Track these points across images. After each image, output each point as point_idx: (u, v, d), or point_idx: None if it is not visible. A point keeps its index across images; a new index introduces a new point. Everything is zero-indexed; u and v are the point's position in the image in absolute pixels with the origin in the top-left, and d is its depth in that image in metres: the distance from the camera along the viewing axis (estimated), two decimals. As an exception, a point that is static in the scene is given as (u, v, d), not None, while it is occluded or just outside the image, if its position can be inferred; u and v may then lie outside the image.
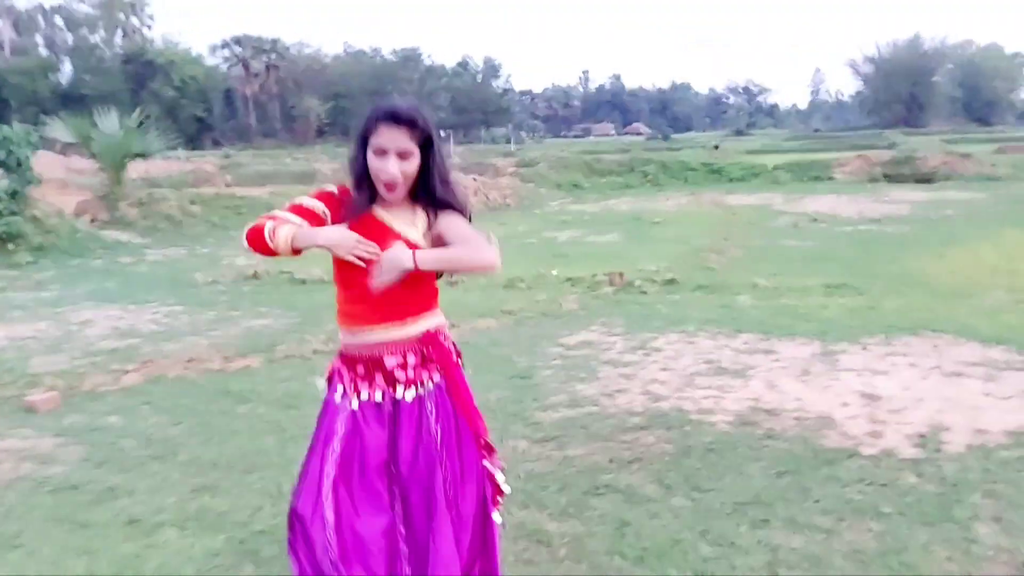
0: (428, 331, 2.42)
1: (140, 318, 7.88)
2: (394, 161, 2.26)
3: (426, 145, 2.31)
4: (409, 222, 2.37)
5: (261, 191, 18.34)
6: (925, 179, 22.86)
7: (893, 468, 3.85)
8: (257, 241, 2.25)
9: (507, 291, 8.85)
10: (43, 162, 14.30)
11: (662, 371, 5.61)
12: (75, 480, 3.99)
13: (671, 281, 8.87)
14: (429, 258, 2.27)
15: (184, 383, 5.59)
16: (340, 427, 2.37)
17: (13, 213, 11.55)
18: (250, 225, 2.29)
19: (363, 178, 2.33)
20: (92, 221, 13.63)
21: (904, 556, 3.03)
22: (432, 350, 2.42)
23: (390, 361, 2.38)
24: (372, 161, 2.28)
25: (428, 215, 2.39)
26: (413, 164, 2.30)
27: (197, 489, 3.86)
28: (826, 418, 4.54)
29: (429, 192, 2.37)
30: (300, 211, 2.32)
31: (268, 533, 3.38)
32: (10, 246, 11.41)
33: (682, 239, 12.81)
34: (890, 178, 23.52)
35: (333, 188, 2.41)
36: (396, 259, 2.22)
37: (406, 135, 2.26)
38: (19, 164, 11.72)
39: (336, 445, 2.36)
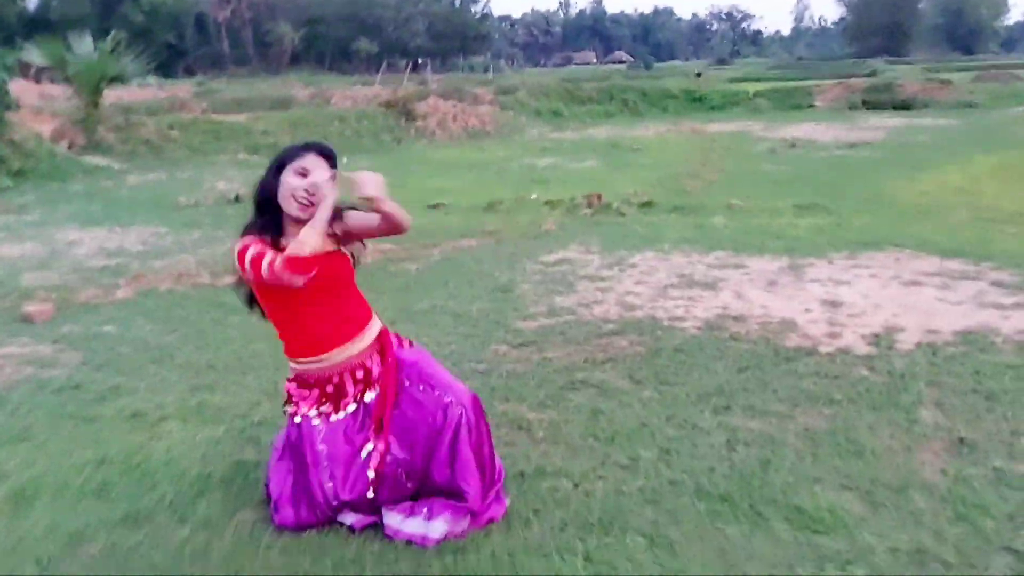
0: (381, 330, 2.81)
1: (126, 238, 7.99)
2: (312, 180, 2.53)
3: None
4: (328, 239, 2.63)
5: (239, 117, 18.17)
6: (903, 106, 23.01)
7: (847, 363, 4.14)
8: (302, 265, 2.43)
9: (488, 214, 9.02)
10: (16, 88, 14.09)
11: (637, 284, 5.85)
12: (77, 380, 4.20)
13: (648, 203, 9.07)
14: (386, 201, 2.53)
15: (176, 296, 5.78)
16: (322, 447, 2.72)
17: (-9, 138, 11.47)
18: (277, 266, 2.43)
19: (269, 203, 2.58)
20: (70, 147, 13.53)
21: (851, 435, 3.33)
22: (386, 345, 2.78)
23: (359, 372, 2.72)
24: (292, 180, 2.52)
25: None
26: (328, 189, 2.53)
27: (196, 388, 4.08)
28: (789, 322, 4.82)
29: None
30: (260, 243, 2.54)
31: (267, 423, 3.62)
32: (-11, 171, 11.37)
33: (660, 165, 12.96)
34: (869, 105, 23.63)
35: (243, 245, 2.58)
36: (375, 177, 2.48)
37: (326, 166, 2.55)
38: (-3, 89, 11.59)
39: (325, 461, 2.71)
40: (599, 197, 9.20)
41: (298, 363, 2.75)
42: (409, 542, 2.66)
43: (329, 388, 2.71)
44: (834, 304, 5.13)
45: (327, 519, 2.75)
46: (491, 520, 2.75)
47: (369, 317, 2.80)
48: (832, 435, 3.34)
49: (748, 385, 3.90)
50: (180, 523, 2.85)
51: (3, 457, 3.37)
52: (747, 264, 6.27)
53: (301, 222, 2.51)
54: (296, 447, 2.76)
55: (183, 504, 2.96)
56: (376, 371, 2.74)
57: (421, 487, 2.74)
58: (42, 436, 3.59)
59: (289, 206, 2.53)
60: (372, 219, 2.60)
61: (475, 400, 2.77)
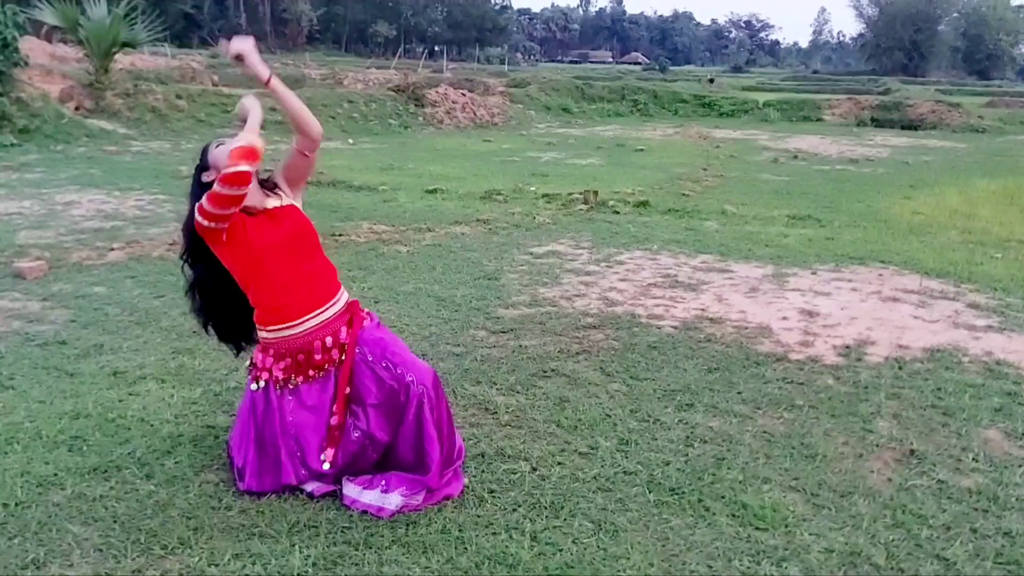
0: (349, 301, 2.91)
1: (124, 203, 8.08)
2: None
3: None
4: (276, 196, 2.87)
5: (249, 92, 18.21)
6: (911, 126, 23.05)
7: (815, 371, 4.22)
8: (237, 177, 2.56)
9: (484, 202, 9.10)
10: (28, 46, 14.14)
11: (621, 281, 5.94)
12: (63, 337, 4.30)
13: (643, 203, 9.14)
14: (279, 86, 2.80)
15: (167, 263, 5.85)
16: (290, 417, 2.82)
17: (-1, 94, 11.53)
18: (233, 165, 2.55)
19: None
20: (77, 109, 13.59)
21: (806, 439, 3.41)
22: (354, 315, 2.88)
23: (329, 340, 2.80)
24: (217, 151, 2.73)
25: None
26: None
27: (177, 351, 4.18)
28: (764, 328, 4.90)
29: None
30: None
31: (241, 388, 3.70)
32: (-6, 127, 11.43)
33: (661, 167, 13.03)
34: (877, 122, 23.68)
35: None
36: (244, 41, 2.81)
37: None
38: (5, 44, 11.62)
39: (293, 430, 2.82)
40: (595, 194, 9.28)
41: (269, 331, 2.82)
42: (365, 512, 2.75)
43: (300, 357, 2.79)
44: (811, 314, 5.21)
45: (291, 487, 2.84)
46: (447, 497, 2.84)
47: (338, 285, 2.90)
48: (788, 438, 3.42)
49: (714, 385, 3.98)
50: (147, 478, 2.94)
51: (-17, 405, 3.47)
52: (732, 269, 6.35)
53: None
54: (262, 416, 2.84)
55: (152, 460, 3.05)
56: (344, 338, 2.83)
57: (383, 460, 2.83)
58: (24, 386, 3.69)
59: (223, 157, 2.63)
60: (292, 155, 2.87)
61: (435, 378, 2.86)
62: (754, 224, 8.17)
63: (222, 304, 2.97)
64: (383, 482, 2.81)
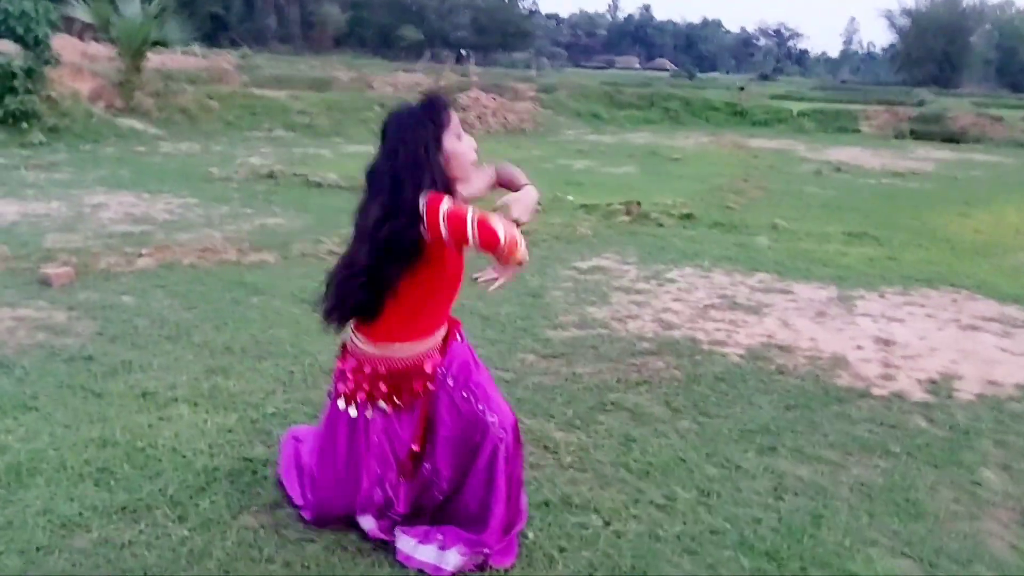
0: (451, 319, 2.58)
1: (153, 206, 7.84)
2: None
3: None
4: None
5: (278, 93, 18.03)
6: (952, 139, 22.43)
7: (904, 411, 3.86)
8: (491, 236, 2.22)
9: (523, 212, 8.77)
10: (59, 44, 13.99)
11: (675, 301, 5.59)
12: (89, 351, 4.02)
13: (687, 216, 8.78)
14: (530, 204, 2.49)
15: (198, 271, 5.59)
16: (375, 437, 2.48)
17: (28, 91, 11.34)
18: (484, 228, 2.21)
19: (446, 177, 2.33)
20: (107, 107, 13.43)
21: (910, 494, 3.05)
22: (450, 334, 2.55)
23: (426, 367, 2.47)
24: (458, 147, 2.33)
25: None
26: None
27: (210, 370, 3.88)
28: (839, 358, 4.54)
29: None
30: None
31: (280, 415, 3.42)
32: (24, 125, 11.24)
33: (700, 177, 12.64)
34: (917, 135, 23.07)
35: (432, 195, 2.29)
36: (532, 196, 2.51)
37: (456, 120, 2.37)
38: (37, 42, 11.45)
39: (376, 450, 2.49)
40: (638, 205, 8.93)
41: (378, 347, 2.44)
42: (420, 571, 2.43)
43: (401, 380, 2.46)
44: (887, 343, 4.84)
45: (352, 519, 2.57)
46: (499, 565, 2.48)
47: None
48: (889, 492, 3.06)
49: (796, 426, 3.63)
50: (180, 520, 2.64)
51: (6, 426, 3.19)
52: (793, 290, 5.98)
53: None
54: (347, 434, 2.51)
55: (185, 499, 2.75)
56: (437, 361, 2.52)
57: (446, 504, 2.51)
58: (48, 407, 3.40)
59: (462, 174, 2.38)
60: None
61: (516, 426, 2.53)
62: (808, 241, 7.78)
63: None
64: (439, 537, 2.48)
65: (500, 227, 2.19)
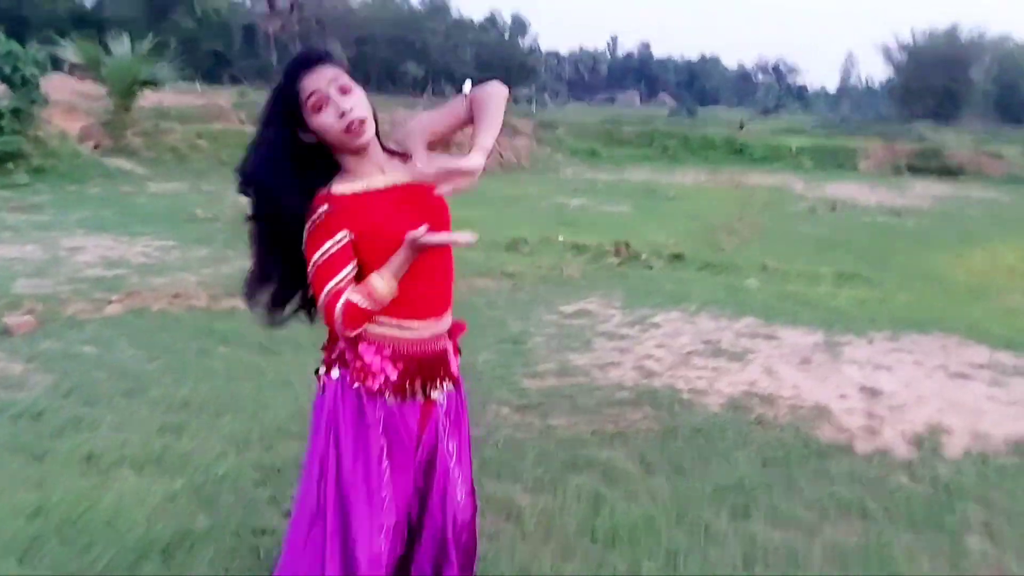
0: (456, 321, 2.12)
1: (131, 249, 7.73)
2: (340, 98, 1.85)
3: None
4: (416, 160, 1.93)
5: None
6: (951, 174, 22.41)
7: (886, 467, 3.68)
8: (362, 320, 1.91)
9: (509, 253, 8.66)
10: (53, 83, 14.05)
11: (658, 347, 5.44)
12: (40, 407, 3.86)
13: (678, 256, 8.68)
14: (487, 143, 1.89)
15: (167, 318, 5.46)
16: (383, 441, 2.03)
17: (15, 132, 11.33)
18: (336, 315, 1.87)
19: (309, 158, 1.91)
20: (96, 147, 13.42)
21: (886, 558, 2.88)
22: (454, 346, 2.14)
23: (446, 355, 2.09)
24: (320, 120, 1.85)
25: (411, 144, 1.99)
26: (359, 96, 1.89)
27: (164, 428, 3.72)
28: (822, 409, 4.37)
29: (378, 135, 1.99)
30: (339, 259, 1.89)
31: (229, 480, 3.26)
32: (9, 165, 11.21)
33: (695, 215, 12.57)
34: (915, 170, 23.08)
35: (322, 207, 1.89)
36: (458, 166, 1.81)
37: (333, 69, 1.88)
38: (24, 82, 11.47)
39: (386, 462, 2.04)
40: (627, 246, 8.82)
41: (388, 328, 1.99)
42: None
43: (400, 367, 2.00)
44: (873, 392, 4.66)
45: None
46: None
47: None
48: (864, 556, 2.89)
49: (772, 482, 3.45)
50: (105, 601, 2.47)
51: (-61, 492, 3.04)
52: (779, 335, 5.82)
53: (363, 151, 1.92)
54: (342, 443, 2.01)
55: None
56: (455, 368, 2.13)
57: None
58: (-16, 471, 3.24)
59: (344, 143, 1.89)
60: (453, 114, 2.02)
61: (473, 520, 2.29)
62: (798, 282, 7.64)
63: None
64: None
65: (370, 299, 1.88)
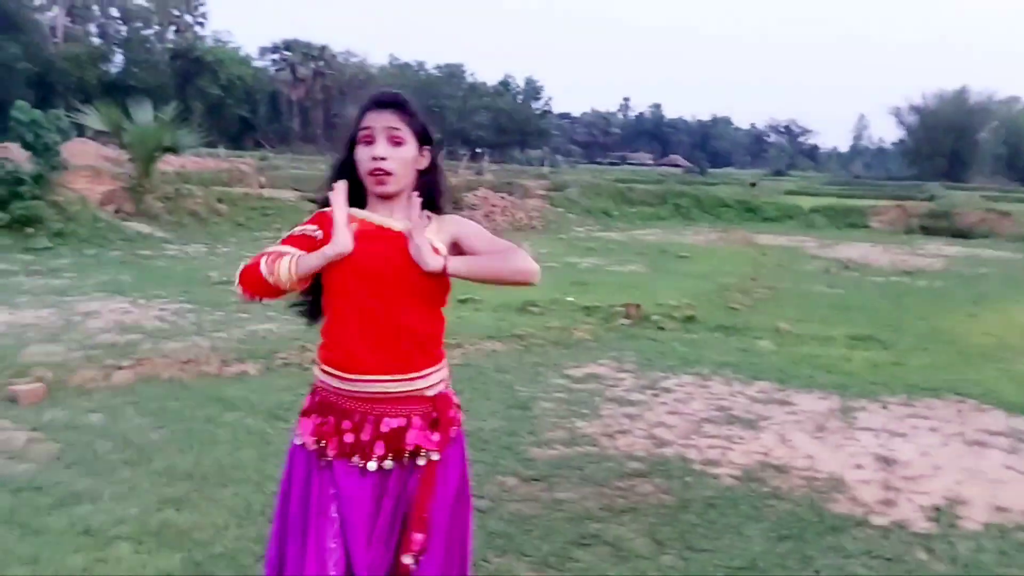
0: (442, 392, 2.07)
1: (146, 313, 7.77)
2: (384, 144, 1.98)
3: (424, 140, 2.06)
4: (423, 228, 1.99)
5: (291, 195, 18.32)
6: (962, 234, 22.36)
7: (903, 542, 3.58)
8: (255, 282, 1.95)
9: (519, 314, 8.63)
10: (78, 148, 14.38)
11: (669, 414, 5.36)
12: (40, 481, 3.83)
13: (690, 318, 8.61)
14: (462, 265, 1.96)
15: (175, 385, 5.44)
16: (334, 490, 2.00)
17: (36, 197, 11.55)
18: (241, 268, 1.99)
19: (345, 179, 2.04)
20: (117, 212, 13.64)
21: (907, 647, 2.76)
22: (442, 418, 2.04)
23: (390, 423, 1.99)
24: (359, 153, 2.00)
25: (435, 224, 2.06)
26: (406, 152, 2.01)
27: (164, 501, 3.68)
28: (837, 480, 4.27)
29: (433, 196, 2.09)
30: (291, 241, 2.03)
31: (227, 556, 3.20)
32: (29, 230, 11.39)
33: (707, 276, 12.53)
34: (927, 230, 23.04)
35: (325, 210, 2.06)
36: (423, 251, 1.92)
37: (395, 117, 2.00)
38: (47, 149, 11.74)
39: (335, 513, 1.99)
40: (638, 307, 8.77)
41: (322, 370, 2.06)
42: None
43: (346, 424, 1.99)
44: (889, 461, 4.56)
45: None
46: None
47: (430, 363, 2.04)
48: (884, 644, 2.78)
49: (786, 560, 3.35)
50: None
51: (-67, 569, 2.99)
52: (794, 400, 5.74)
53: (388, 198, 2.03)
54: (292, 487, 2.06)
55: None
56: (413, 441, 2.00)
57: None
58: (-20, 547, 3.20)
59: (369, 185, 2.02)
60: (480, 247, 2.03)
61: None
62: (812, 345, 7.56)
63: None
64: None
65: (263, 268, 1.94)
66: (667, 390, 5.93)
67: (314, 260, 1.95)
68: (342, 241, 1.94)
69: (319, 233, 2.03)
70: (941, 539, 3.61)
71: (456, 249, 2.05)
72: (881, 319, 9.11)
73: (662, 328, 8.18)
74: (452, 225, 2.09)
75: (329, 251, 1.95)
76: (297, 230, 2.06)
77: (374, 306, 1.97)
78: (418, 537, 1.98)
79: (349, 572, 1.97)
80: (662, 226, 23.72)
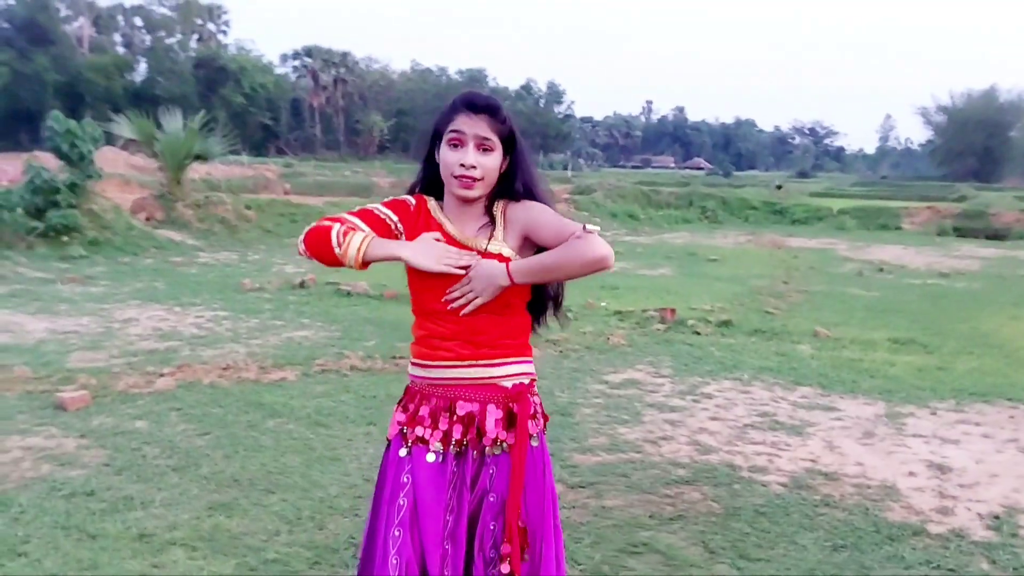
0: (520, 383, 2.04)
1: (183, 320, 7.82)
2: (472, 152, 1.96)
3: (509, 146, 2.02)
4: (487, 237, 2.00)
5: (317, 200, 18.42)
6: (997, 236, 22.00)
7: (964, 552, 3.49)
8: (320, 245, 1.94)
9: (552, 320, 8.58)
10: (107, 157, 14.57)
11: (712, 420, 5.29)
12: (92, 486, 3.85)
13: (726, 323, 8.52)
14: (525, 268, 1.93)
15: (217, 391, 5.46)
16: (406, 478, 2.00)
17: (71, 206, 11.69)
18: (310, 226, 2.00)
19: (430, 181, 2.07)
20: (148, 220, 13.78)
21: (978, 659, 2.69)
22: (519, 410, 2.01)
23: (465, 407, 2.01)
24: (446, 155, 1.97)
25: (501, 220, 2.03)
26: (493, 160, 1.99)
27: (214, 506, 3.68)
28: (890, 488, 4.18)
29: (509, 188, 2.04)
30: (368, 217, 2.02)
31: (281, 562, 3.19)
32: (65, 238, 11.53)
33: (739, 279, 12.41)
34: (960, 232, 22.70)
35: (410, 199, 2.08)
36: (489, 272, 1.92)
37: (485, 124, 1.96)
38: (81, 158, 11.88)
39: (403, 500, 1.99)
40: (672, 312, 8.70)
41: (411, 362, 2.10)
42: None
43: (424, 410, 2.03)
44: (942, 469, 4.46)
45: None
46: None
47: (506, 355, 2.03)
48: (954, 656, 2.70)
49: (844, 570, 3.28)
50: None
51: (-8, 574, 3.01)
52: (838, 406, 5.64)
53: (468, 201, 2.01)
54: (380, 480, 2.07)
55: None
56: (492, 430, 1.99)
57: None
58: (38, 552, 3.21)
59: (451, 185, 2.00)
60: (553, 234, 1.95)
61: None
62: (853, 349, 7.45)
63: None
64: None
65: (336, 245, 1.93)
66: (708, 396, 5.86)
67: (383, 252, 1.95)
68: (422, 260, 1.93)
69: (400, 225, 2.04)
70: (1003, 548, 3.52)
71: (528, 241, 2.01)
72: (921, 322, 8.97)
73: (697, 333, 8.10)
74: (522, 213, 2.02)
75: (405, 255, 1.94)
76: (372, 206, 2.06)
77: (443, 319, 2.00)
78: (507, 549, 1.95)
79: (422, 562, 1.95)
80: (689, 229, 23.59)
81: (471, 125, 1.96)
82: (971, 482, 4.29)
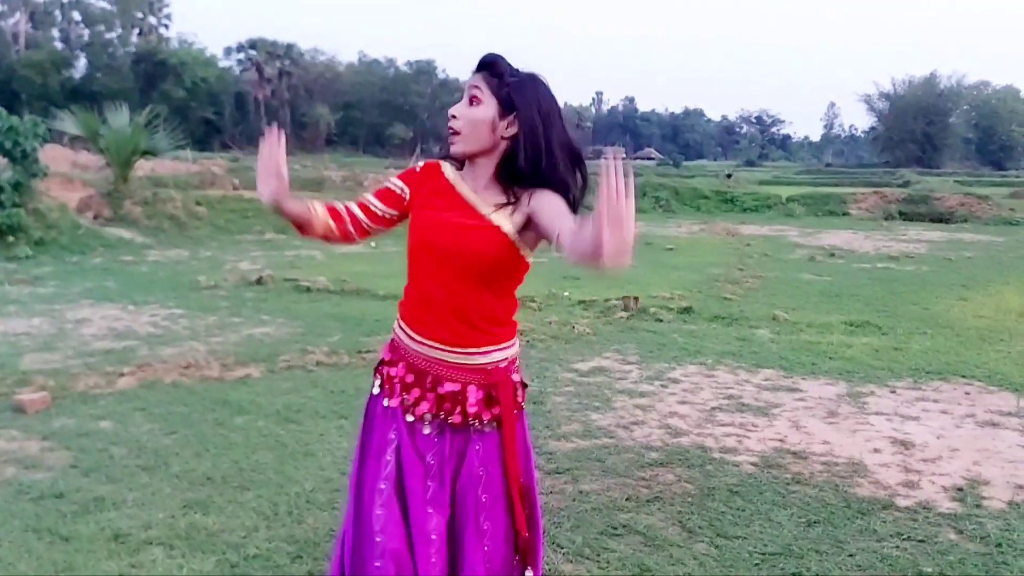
0: (499, 367, 2.03)
1: (138, 319, 7.64)
2: (463, 104, 1.97)
3: (513, 109, 1.92)
4: (493, 207, 1.95)
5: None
6: (941, 219, 22.66)
7: (931, 523, 3.60)
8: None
9: (519, 310, 8.60)
10: (50, 155, 14.08)
11: (680, 404, 5.36)
12: (60, 488, 3.75)
13: (687, 310, 8.63)
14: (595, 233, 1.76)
15: (180, 390, 5.35)
16: (393, 435, 2.02)
17: (16, 205, 11.31)
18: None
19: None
20: (95, 218, 13.41)
21: (954, 625, 2.78)
22: (498, 394, 2.01)
23: (447, 387, 2.00)
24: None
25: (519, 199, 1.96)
26: (479, 113, 1.94)
27: (188, 504, 3.61)
28: (857, 464, 4.29)
29: (517, 169, 1.94)
30: (382, 193, 2.10)
31: (262, 557, 3.15)
32: (10, 239, 11.16)
33: (696, 267, 12.58)
34: (906, 216, 23.33)
35: (419, 164, 2.12)
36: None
37: (481, 77, 1.96)
38: (25, 155, 11.49)
39: (389, 456, 2.00)
40: (636, 300, 8.77)
41: (398, 323, 2.10)
42: None
43: (410, 378, 2.03)
44: (905, 445, 4.60)
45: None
46: None
47: (489, 342, 2.01)
48: (930, 623, 2.79)
49: (819, 545, 3.36)
50: None
51: (-40, 582, 2.92)
52: (801, 387, 5.77)
53: (471, 160, 2.01)
54: (365, 434, 2.09)
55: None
56: (473, 408, 2.00)
57: None
58: (11, 556, 3.13)
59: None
60: (562, 222, 1.85)
61: None
62: (810, 332, 7.61)
63: None
64: None
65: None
66: (675, 380, 5.94)
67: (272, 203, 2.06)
68: (259, 190, 2.05)
69: (406, 189, 2.07)
70: (968, 519, 3.64)
71: (532, 223, 1.95)
72: (874, 305, 9.20)
73: (660, 320, 8.19)
74: (535, 201, 1.95)
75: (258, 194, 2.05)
76: (388, 183, 2.11)
77: (432, 287, 2.00)
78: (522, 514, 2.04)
79: (403, 514, 1.97)
80: (644, 219, 23.71)
81: (471, 80, 1.99)
82: (934, 456, 4.42)
